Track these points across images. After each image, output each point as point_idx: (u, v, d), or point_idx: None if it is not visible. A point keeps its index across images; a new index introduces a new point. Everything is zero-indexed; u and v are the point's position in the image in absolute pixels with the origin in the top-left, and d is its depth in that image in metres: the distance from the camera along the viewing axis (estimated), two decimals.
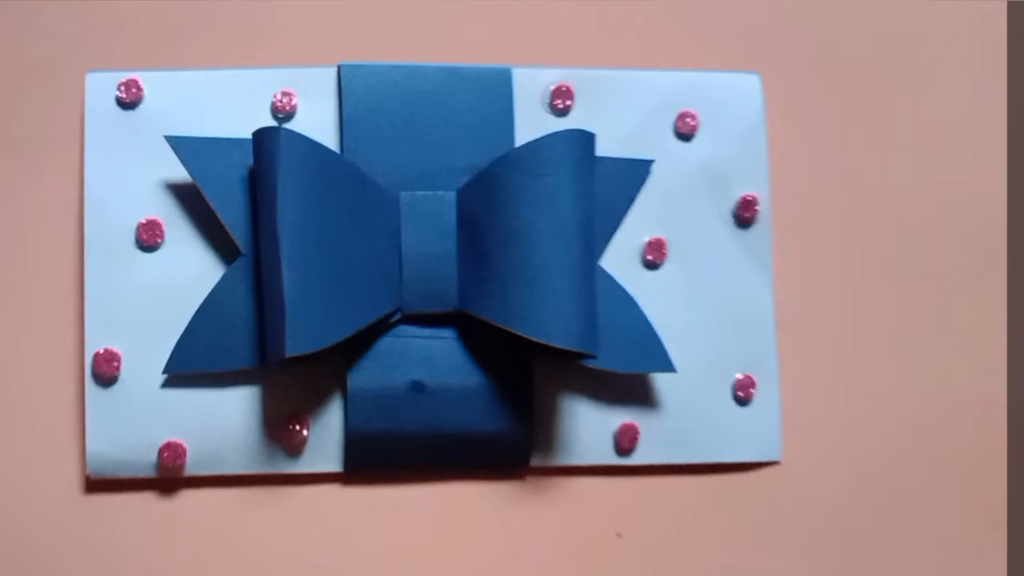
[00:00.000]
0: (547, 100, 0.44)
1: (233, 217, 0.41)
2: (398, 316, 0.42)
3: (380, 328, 0.42)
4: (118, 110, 0.42)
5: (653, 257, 0.45)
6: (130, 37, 0.44)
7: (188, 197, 0.42)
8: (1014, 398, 0.47)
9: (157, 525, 0.42)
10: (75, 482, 0.42)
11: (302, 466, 0.42)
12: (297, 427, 0.42)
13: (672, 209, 0.45)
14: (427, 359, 0.42)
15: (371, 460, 0.43)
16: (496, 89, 0.44)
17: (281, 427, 0.42)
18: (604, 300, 0.43)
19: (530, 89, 0.44)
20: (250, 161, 0.41)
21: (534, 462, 0.44)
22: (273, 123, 0.43)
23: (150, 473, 0.42)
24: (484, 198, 0.41)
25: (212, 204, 0.41)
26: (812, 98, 0.47)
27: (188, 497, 0.42)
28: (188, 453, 0.41)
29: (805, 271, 0.46)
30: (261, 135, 0.40)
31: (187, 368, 0.41)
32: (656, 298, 0.44)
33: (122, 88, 0.42)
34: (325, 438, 0.42)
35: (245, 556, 0.42)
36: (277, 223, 0.39)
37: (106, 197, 0.42)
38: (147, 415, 0.41)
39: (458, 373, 0.42)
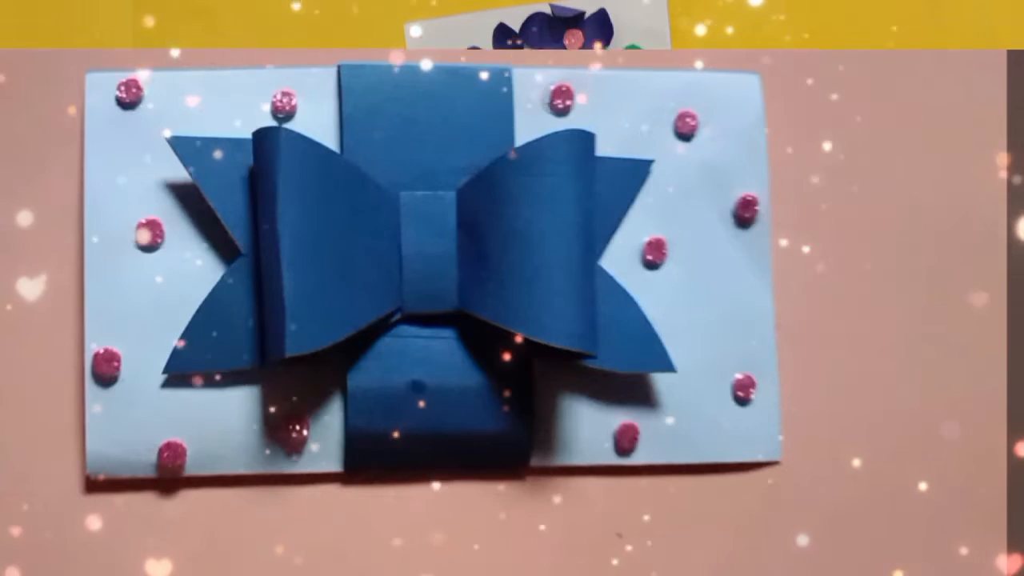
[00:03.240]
0: (547, 100, 0.44)
1: (233, 217, 0.41)
2: (398, 316, 0.42)
3: (380, 328, 0.42)
4: (118, 110, 0.42)
5: (653, 257, 0.45)
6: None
7: (188, 197, 0.42)
8: (1014, 398, 0.47)
9: (157, 525, 0.42)
10: (75, 482, 0.42)
11: (302, 466, 0.42)
12: (297, 427, 0.42)
13: (672, 209, 0.45)
14: (427, 359, 0.42)
15: (371, 460, 0.43)
16: (496, 89, 0.44)
17: (281, 427, 0.42)
18: (604, 300, 0.42)
19: (530, 89, 0.44)
20: (250, 161, 0.41)
21: (534, 462, 0.44)
22: (273, 123, 0.43)
23: (150, 473, 0.42)
24: (484, 198, 0.41)
25: (212, 204, 0.41)
26: (812, 98, 0.47)
27: (188, 497, 0.42)
28: (188, 453, 0.41)
29: (805, 271, 0.46)
30: (261, 135, 0.40)
31: (187, 368, 0.41)
32: (656, 298, 0.44)
33: (122, 88, 0.42)
34: (325, 438, 0.42)
35: (245, 556, 0.42)
36: (277, 223, 0.39)
37: (106, 197, 0.42)
38: (147, 415, 0.41)
39: (458, 373, 0.42)
